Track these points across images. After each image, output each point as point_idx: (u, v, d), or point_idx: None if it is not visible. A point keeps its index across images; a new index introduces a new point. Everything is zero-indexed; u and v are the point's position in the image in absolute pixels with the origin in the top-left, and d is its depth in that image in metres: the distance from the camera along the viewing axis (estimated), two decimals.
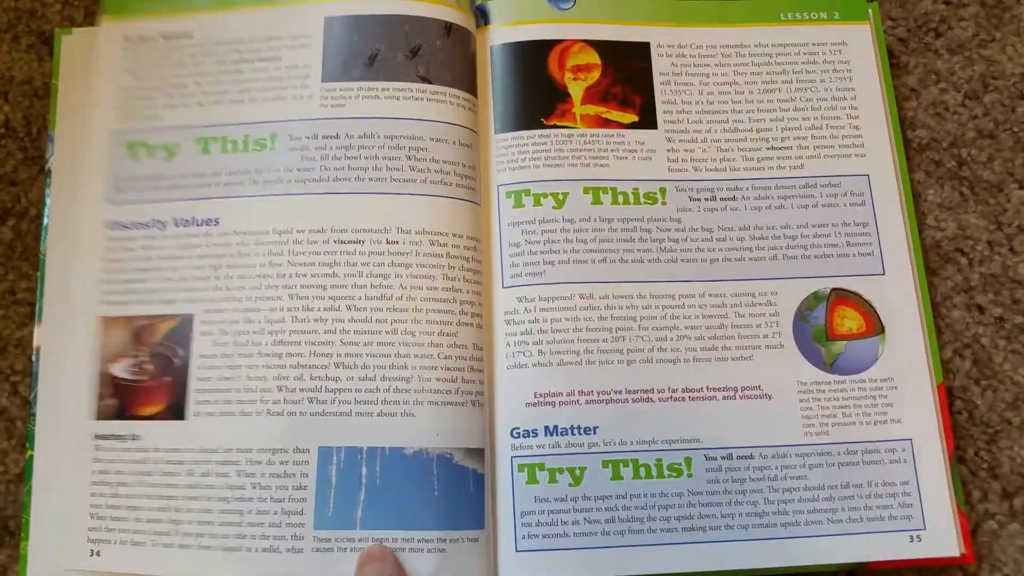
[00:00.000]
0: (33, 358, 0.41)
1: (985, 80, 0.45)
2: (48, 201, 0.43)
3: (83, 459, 0.39)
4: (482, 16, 0.44)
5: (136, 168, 0.42)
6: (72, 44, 0.45)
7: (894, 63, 0.45)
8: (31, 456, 0.40)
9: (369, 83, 0.42)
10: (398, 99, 0.41)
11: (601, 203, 0.41)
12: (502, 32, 0.44)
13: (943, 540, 0.38)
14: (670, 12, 0.45)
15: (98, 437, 0.39)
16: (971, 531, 0.39)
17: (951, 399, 0.41)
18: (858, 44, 0.44)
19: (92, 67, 0.44)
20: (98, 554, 0.38)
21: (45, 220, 0.43)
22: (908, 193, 0.43)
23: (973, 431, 0.41)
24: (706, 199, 0.42)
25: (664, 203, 0.42)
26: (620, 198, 0.42)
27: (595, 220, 0.41)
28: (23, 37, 0.47)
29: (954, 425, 0.40)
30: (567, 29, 0.44)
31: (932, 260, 0.43)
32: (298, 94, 0.42)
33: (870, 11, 0.45)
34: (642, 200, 0.42)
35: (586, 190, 0.41)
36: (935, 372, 0.40)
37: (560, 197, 0.41)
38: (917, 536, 0.38)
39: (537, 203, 0.41)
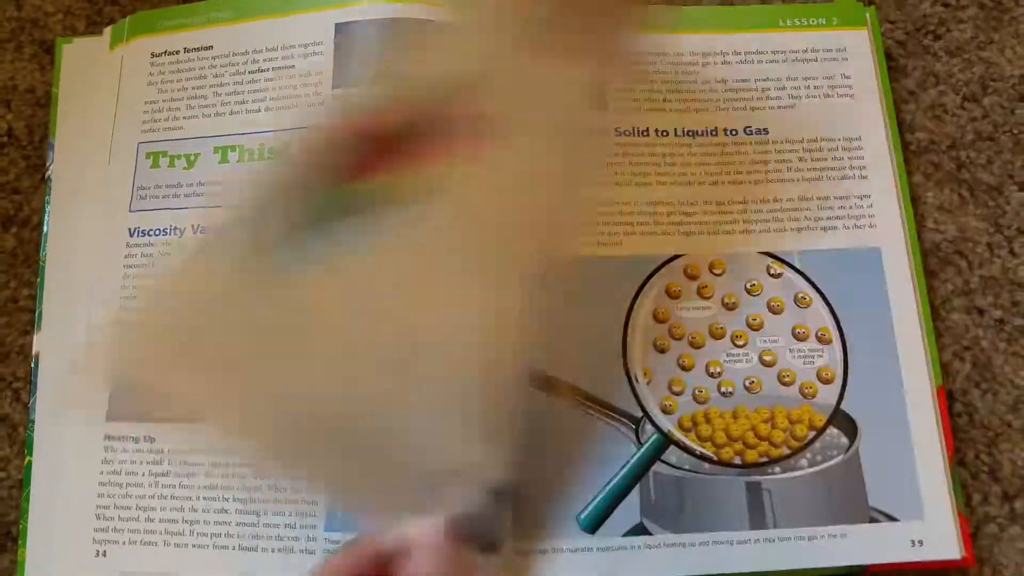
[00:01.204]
0: (33, 365, 0.42)
1: (984, 82, 0.45)
2: (48, 209, 0.44)
3: (91, 460, 0.40)
4: None
5: (157, 177, 0.43)
6: (73, 53, 0.46)
7: (892, 66, 0.45)
8: (30, 462, 0.40)
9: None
10: None
11: None
12: None
13: (944, 543, 0.37)
14: (668, 20, 0.45)
15: (108, 438, 0.40)
16: (972, 534, 0.39)
17: (951, 402, 0.41)
18: (857, 50, 0.44)
19: (102, 80, 0.45)
20: (104, 554, 0.38)
21: (45, 228, 0.43)
22: (907, 196, 0.43)
23: (973, 434, 0.40)
24: None
25: None
26: None
27: None
28: (26, 46, 0.47)
29: (954, 428, 0.40)
30: None
31: (931, 263, 0.42)
32: (311, 101, 0.43)
33: (867, 15, 0.45)
34: None
35: None
36: (935, 375, 0.40)
37: None
38: (919, 540, 0.37)
39: None
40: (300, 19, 0.44)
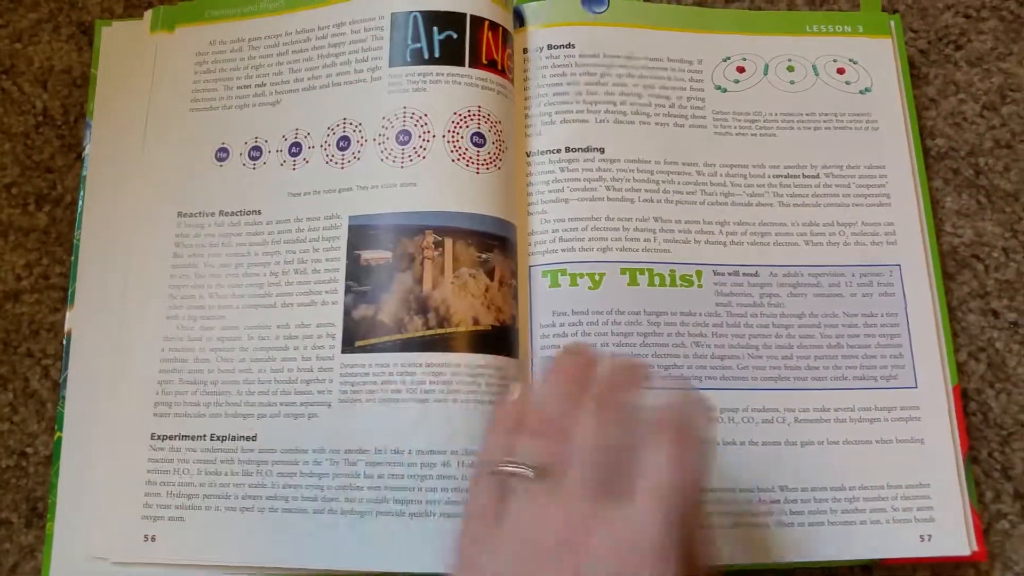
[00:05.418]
0: (64, 342, 0.42)
1: (1003, 92, 0.46)
2: (84, 188, 0.44)
3: (139, 442, 0.40)
4: (517, 18, 0.45)
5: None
6: (113, 36, 0.46)
7: (914, 74, 0.47)
8: (59, 438, 0.41)
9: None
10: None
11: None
12: (538, 34, 0.45)
13: (953, 539, 0.38)
14: (700, 19, 0.46)
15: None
16: (984, 530, 0.40)
17: (966, 401, 0.42)
18: (881, 57, 0.46)
19: (142, 62, 0.46)
20: (153, 539, 0.39)
21: (80, 206, 0.44)
22: (927, 200, 0.44)
23: (987, 432, 0.41)
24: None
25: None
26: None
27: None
28: (63, 27, 0.48)
29: (968, 426, 0.41)
30: (600, 32, 0.45)
31: (949, 265, 0.44)
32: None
33: (892, 23, 0.46)
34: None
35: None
36: (951, 374, 0.41)
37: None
38: (928, 535, 0.38)
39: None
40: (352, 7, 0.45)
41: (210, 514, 0.39)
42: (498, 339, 0.39)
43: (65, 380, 0.41)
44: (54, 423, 0.42)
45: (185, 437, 0.40)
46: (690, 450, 0.33)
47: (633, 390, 0.35)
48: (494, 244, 0.40)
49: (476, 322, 0.39)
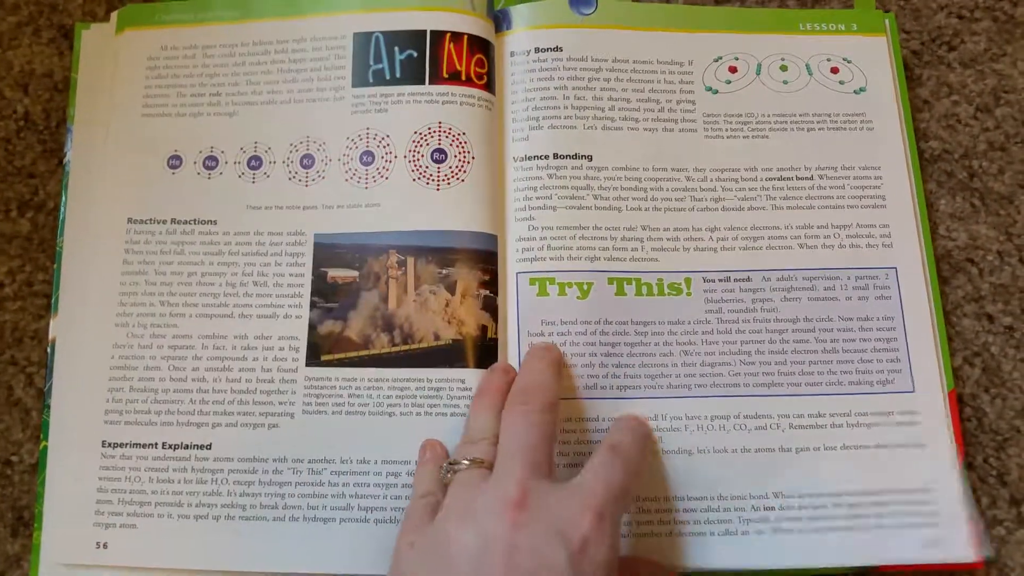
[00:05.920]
0: (48, 350, 0.42)
1: (997, 94, 0.46)
2: (66, 194, 0.44)
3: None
4: (504, 20, 0.45)
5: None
6: (91, 39, 0.46)
7: (908, 75, 0.46)
8: (45, 447, 0.40)
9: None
10: None
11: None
12: (523, 36, 0.44)
13: (958, 545, 0.38)
14: (691, 18, 0.45)
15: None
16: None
17: (961, 406, 0.41)
18: (876, 56, 0.45)
19: (110, 65, 0.45)
20: (105, 546, 0.38)
21: (62, 213, 0.43)
22: (922, 202, 0.43)
23: (982, 438, 0.41)
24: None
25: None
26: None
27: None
28: (44, 31, 0.47)
29: (964, 432, 0.41)
30: (589, 34, 0.44)
31: (943, 269, 0.43)
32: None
33: (886, 22, 0.46)
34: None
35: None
36: (946, 379, 0.40)
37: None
38: (932, 540, 0.38)
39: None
40: (312, 24, 0.45)
41: (163, 521, 0.39)
42: (461, 352, 0.40)
43: (50, 388, 0.41)
44: (39, 431, 0.41)
45: (136, 445, 0.40)
46: (621, 459, 0.35)
47: (549, 389, 0.36)
48: (456, 257, 0.41)
49: (437, 337, 0.40)
